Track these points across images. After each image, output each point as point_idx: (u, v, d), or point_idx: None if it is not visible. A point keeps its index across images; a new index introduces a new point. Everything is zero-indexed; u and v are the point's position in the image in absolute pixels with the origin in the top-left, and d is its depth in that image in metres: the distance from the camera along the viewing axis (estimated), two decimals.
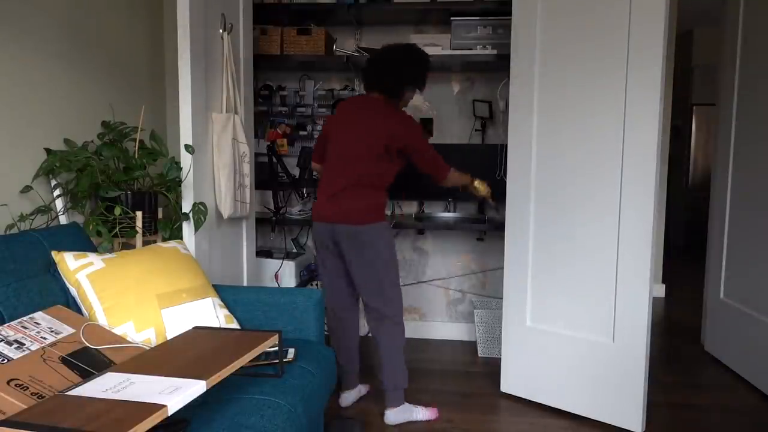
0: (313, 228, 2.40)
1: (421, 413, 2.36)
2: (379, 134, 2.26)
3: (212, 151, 2.37)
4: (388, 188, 2.38)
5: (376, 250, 2.27)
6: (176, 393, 1.15)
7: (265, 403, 1.44)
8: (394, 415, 2.33)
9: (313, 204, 2.40)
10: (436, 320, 3.48)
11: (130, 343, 1.61)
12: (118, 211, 2.06)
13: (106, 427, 1.01)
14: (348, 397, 2.51)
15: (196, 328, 1.63)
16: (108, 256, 1.79)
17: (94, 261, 1.74)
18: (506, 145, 2.60)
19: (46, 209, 2.01)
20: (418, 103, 3.36)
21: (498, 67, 3.10)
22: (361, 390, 2.59)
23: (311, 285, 3.15)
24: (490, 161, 3.18)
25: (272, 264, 3.09)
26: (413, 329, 3.46)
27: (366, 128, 2.29)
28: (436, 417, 2.39)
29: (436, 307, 3.48)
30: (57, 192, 2.08)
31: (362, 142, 2.28)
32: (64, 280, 1.73)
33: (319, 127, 3.37)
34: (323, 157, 2.45)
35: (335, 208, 2.27)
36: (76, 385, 1.21)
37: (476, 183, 2.58)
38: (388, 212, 3.29)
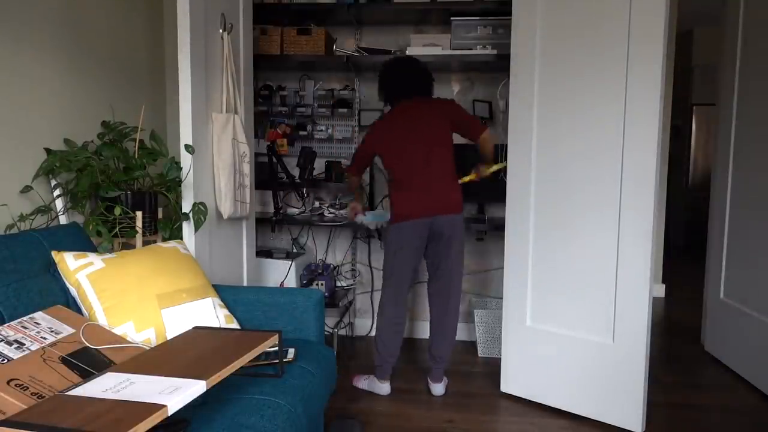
0: (402, 229, 2.51)
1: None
2: (441, 116, 2.56)
3: (212, 151, 2.37)
4: None
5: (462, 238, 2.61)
6: (176, 393, 1.15)
7: (265, 403, 1.44)
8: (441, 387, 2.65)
9: (399, 206, 2.53)
10: None
11: (130, 343, 1.61)
12: (118, 211, 2.06)
13: (106, 427, 1.01)
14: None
15: (196, 328, 1.63)
16: (108, 256, 1.79)
17: (94, 261, 1.74)
18: (506, 145, 2.60)
19: (46, 209, 2.01)
20: None
21: (498, 67, 3.09)
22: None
23: (314, 285, 3.16)
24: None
25: (272, 264, 3.09)
26: (414, 329, 3.46)
27: (429, 119, 2.55)
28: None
29: None
30: (57, 192, 2.08)
31: (435, 131, 2.54)
32: (64, 280, 1.73)
33: (319, 127, 3.37)
34: (362, 170, 2.75)
35: (435, 201, 2.50)
36: (76, 385, 1.21)
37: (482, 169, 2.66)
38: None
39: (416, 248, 2.54)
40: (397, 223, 2.52)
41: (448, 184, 2.53)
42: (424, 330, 3.46)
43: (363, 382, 2.70)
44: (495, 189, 3.18)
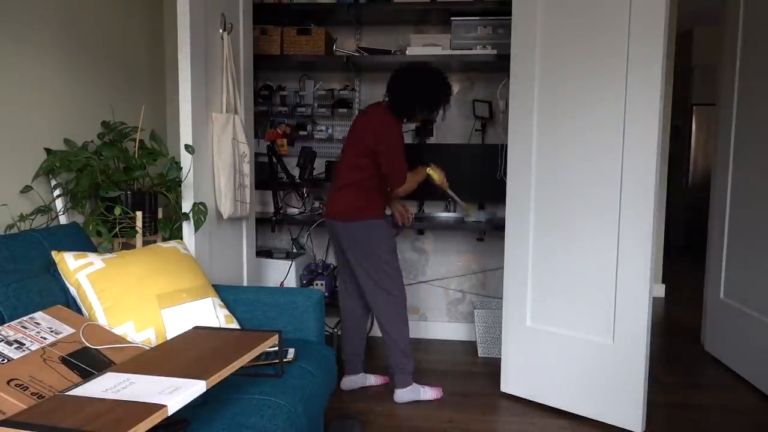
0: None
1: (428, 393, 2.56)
2: (366, 136, 2.44)
3: (212, 151, 2.37)
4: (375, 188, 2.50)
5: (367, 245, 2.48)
6: (176, 393, 1.15)
7: (265, 403, 1.44)
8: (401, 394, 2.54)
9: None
10: (436, 320, 3.48)
11: (130, 343, 1.61)
12: (118, 211, 2.06)
13: (106, 427, 1.01)
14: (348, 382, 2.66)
15: (196, 328, 1.63)
16: (108, 256, 1.79)
17: (94, 261, 1.74)
18: (506, 145, 2.60)
19: (46, 209, 2.01)
20: None
21: (498, 67, 3.09)
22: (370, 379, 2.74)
23: (314, 285, 3.15)
24: (490, 161, 3.18)
25: (272, 264, 3.09)
26: (413, 329, 3.46)
27: (359, 132, 2.49)
28: (440, 395, 2.59)
29: (436, 307, 3.48)
30: (57, 192, 2.08)
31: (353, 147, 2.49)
32: (64, 280, 1.73)
33: (319, 127, 3.37)
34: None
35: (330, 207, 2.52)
36: (76, 385, 1.21)
37: (428, 170, 2.59)
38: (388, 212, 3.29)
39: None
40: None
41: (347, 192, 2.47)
42: (429, 331, 3.46)
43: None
44: (495, 189, 3.19)
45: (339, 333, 2.88)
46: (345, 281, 2.66)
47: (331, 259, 3.48)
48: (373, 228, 2.45)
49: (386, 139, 2.40)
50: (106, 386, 1.20)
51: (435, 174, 2.63)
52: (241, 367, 1.65)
